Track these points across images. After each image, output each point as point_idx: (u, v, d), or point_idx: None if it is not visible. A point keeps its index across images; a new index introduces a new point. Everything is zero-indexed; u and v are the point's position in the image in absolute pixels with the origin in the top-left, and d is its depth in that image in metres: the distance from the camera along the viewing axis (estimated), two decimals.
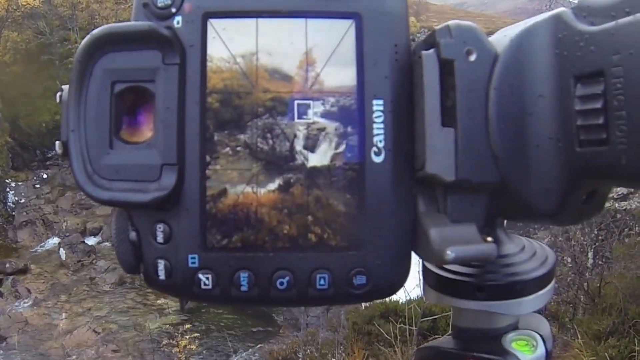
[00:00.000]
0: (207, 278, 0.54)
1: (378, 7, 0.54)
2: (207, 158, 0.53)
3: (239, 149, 0.53)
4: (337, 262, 0.54)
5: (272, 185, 0.53)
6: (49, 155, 25.42)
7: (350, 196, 0.53)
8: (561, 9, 0.51)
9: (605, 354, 8.26)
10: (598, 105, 0.46)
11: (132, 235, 0.55)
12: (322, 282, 0.54)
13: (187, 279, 0.54)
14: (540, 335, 0.62)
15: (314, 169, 0.53)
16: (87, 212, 22.60)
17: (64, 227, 22.16)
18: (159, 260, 0.54)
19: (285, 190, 0.53)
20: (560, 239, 10.12)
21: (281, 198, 0.53)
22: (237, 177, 0.53)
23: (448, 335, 0.69)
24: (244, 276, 0.54)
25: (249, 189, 0.53)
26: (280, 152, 0.53)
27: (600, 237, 10.38)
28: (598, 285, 10.19)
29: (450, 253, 0.49)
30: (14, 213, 23.00)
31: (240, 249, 0.54)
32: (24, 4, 25.92)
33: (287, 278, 0.54)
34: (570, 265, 10.26)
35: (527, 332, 0.62)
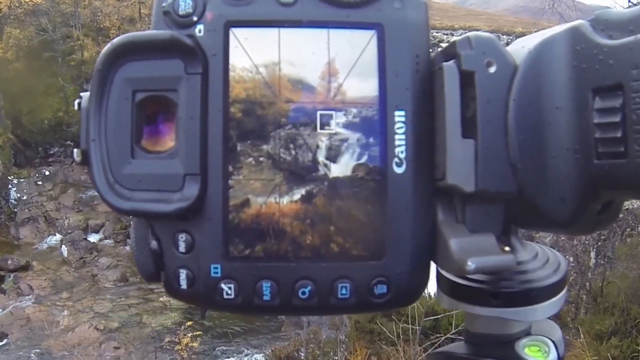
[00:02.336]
0: (230, 288, 0.54)
1: (400, 18, 0.54)
2: (230, 168, 0.53)
3: (261, 159, 0.53)
4: (358, 272, 0.54)
5: (295, 196, 0.53)
6: (51, 152, 25.40)
7: (372, 206, 0.54)
8: (579, 21, 0.51)
9: (608, 353, 8.25)
10: (616, 119, 0.46)
11: (153, 244, 0.55)
12: (343, 291, 0.54)
13: (209, 288, 0.54)
14: (553, 341, 0.62)
15: (336, 179, 0.53)
16: (89, 209, 22.56)
17: (66, 224, 22.13)
18: (181, 270, 0.55)
19: (307, 200, 0.53)
20: (562, 238, 10.11)
21: (304, 208, 0.53)
22: (260, 187, 0.53)
23: (460, 340, 0.70)
24: (266, 286, 0.54)
25: (271, 199, 0.53)
26: (303, 162, 0.53)
27: (602, 237, 10.37)
28: (600, 285, 10.18)
29: (471, 264, 0.49)
30: (16, 210, 22.96)
31: (263, 258, 0.54)
32: (27, 0, 25.87)
33: (309, 287, 0.54)
34: (573, 265, 10.24)
35: (539, 338, 0.62)
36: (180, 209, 0.53)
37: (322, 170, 0.53)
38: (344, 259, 0.54)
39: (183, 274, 0.54)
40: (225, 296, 0.54)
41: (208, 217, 0.53)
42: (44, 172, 24.96)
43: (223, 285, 0.54)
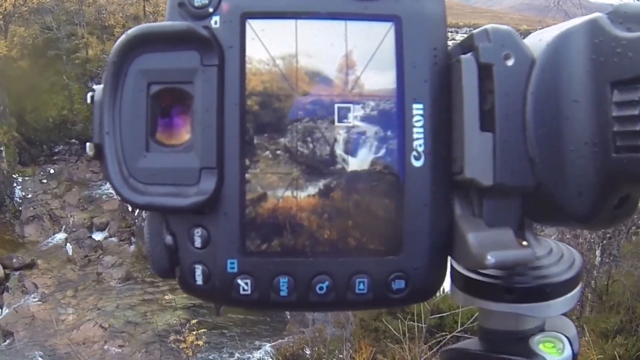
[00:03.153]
0: (247, 283, 0.54)
1: (418, 10, 0.54)
2: (247, 162, 0.52)
3: (279, 152, 0.53)
4: (376, 267, 0.54)
5: (312, 190, 0.53)
6: (56, 150, 25.52)
7: (390, 201, 0.53)
8: (597, 14, 0.51)
9: (613, 352, 8.25)
10: (635, 112, 0.46)
11: (168, 239, 0.54)
12: (361, 286, 0.54)
13: (225, 284, 0.54)
14: (567, 337, 0.62)
15: (354, 173, 0.53)
16: (94, 207, 22.64)
17: (71, 222, 22.21)
18: (197, 265, 0.54)
19: (325, 194, 0.53)
20: (567, 236, 10.09)
21: (321, 202, 0.53)
22: (277, 181, 0.52)
23: (466, 338, 0.69)
24: (283, 281, 0.54)
25: (288, 193, 0.53)
26: (321, 156, 0.53)
27: (607, 235, 10.36)
28: (606, 283, 10.19)
29: (490, 258, 0.49)
30: (21, 208, 23.06)
31: (280, 253, 0.53)
32: None
33: (326, 283, 0.54)
34: None
35: (553, 334, 0.62)
36: (197, 203, 0.52)
37: (340, 164, 0.53)
38: (361, 254, 0.53)
39: (199, 269, 0.54)
40: (241, 292, 0.54)
41: (224, 212, 0.53)
42: (49, 170, 25.07)
43: (239, 281, 0.54)
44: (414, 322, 8.50)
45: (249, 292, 0.54)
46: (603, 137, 0.48)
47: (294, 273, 0.54)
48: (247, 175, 0.53)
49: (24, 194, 23.65)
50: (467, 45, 0.53)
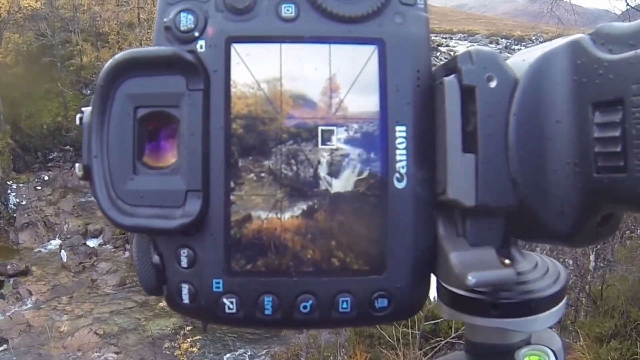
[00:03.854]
0: (232, 302, 0.54)
1: (401, 33, 0.54)
2: (232, 184, 0.53)
3: (263, 175, 0.53)
4: (359, 286, 0.54)
5: (296, 211, 0.53)
6: (50, 157, 25.42)
7: (373, 221, 0.54)
8: (579, 35, 0.51)
9: (608, 356, 8.25)
10: (616, 133, 0.46)
11: (155, 259, 0.55)
12: (344, 305, 0.54)
13: (211, 303, 0.55)
14: (552, 351, 0.62)
15: (338, 194, 0.54)
16: (89, 214, 22.54)
17: (65, 229, 22.11)
18: (183, 285, 0.55)
19: (309, 215, 0.53)
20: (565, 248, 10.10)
21: (305, 223, 0.53)
22: (262, 203, 0.53)
23: (459, 348, 0.70)
24: (268, 300, 0.54)
25: (273, 215, 0.53)
26: (304, 178, 0.53)
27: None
28: (600, 287, 10.19)
29: (471, 279, 0.49)
30: (15, 215, 22.94)
31: (264, 273, 0.54)
32: (26, 5, 25.86)
33: (310, 302, 0.54)
34: (572, 267, 10.25)
35: (539, 347, 0.62)
36: (183, 225, 0.53)
37: (323, 186, 0.54)
38: (345, 274, 0.54)
39: (185, 288, 0.55)
40: (227, 310, 0.55)
41: (210, 233, 0.54)
42: (43, 177, 24.97)
43: (225, 300, 0.54)
44: (408, 328, 8.50)
45: (234, 310, 0.55)
46: (584, 158, 0.49)
47: (278, 292, 0.54)
48: (232, 197, 0.53)
49: (18, 200, 23.54)
50: (451, 67, 0.53)
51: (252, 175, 0.53)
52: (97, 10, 27.42)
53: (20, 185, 24.05)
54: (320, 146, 0.54)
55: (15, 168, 24.69)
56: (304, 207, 0.53)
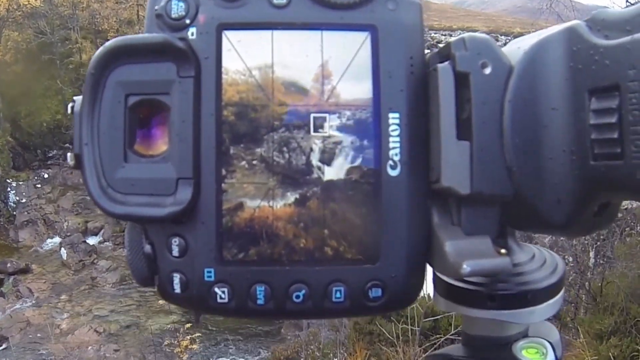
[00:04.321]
0: (224, 292, 0.54)
1: (394, 19, 0.54)
2: (223, 172, 0.53)
3: (255, 162, 0.53)
4: (352, 275, 0.54)
5: (288, 199, 0.53)
6: (50, 154, 25.42)
7: (366, 209, 0.53)
8: (575, 21, 0.50)
9: (608, 353, 8.26)
10: (613, 119, 0.46)
11: (147, 248, 0.54)
12: (337, 294, 0.54)
13: (203, 292, 0.54)
14: (550, 343, 0.62)
15: (330, 182, 0.53)
16: (88, 212, 22.54)
17: (65, 227, 22.14)
18: (175, 274, 0.54)
19: (301, 204, 0.53)
20: (562, 238, 10.12)
21: (297, 212, 0.53)
22: (253, 191, 0.53)
23: (458, 343, 0.69)
24: (260, 289, 0.54)
25: (265, 203, 0.53)
26: (297, 165, 0.53)
27: (601, 237, 10.37)
28: (600, 284, 10.20)
29: (466, 267, 0.49)
30: (15, 213, 22.95)
31: (257, 262, 0.53)
32: (25, 3, 25.86)
33: (303, 291, 0.54)
34: (572, 264, 10.26)
35: (537, 340, 0.62)
36: (174, 213, 0.52)
37: (315, 174, 0.53)
38: (338, 263, 0.54)
39: (177, 278, 0.54)
40: (219, 300, 0.54)
41: (201, 221, 0.53)
42: (43, 175, 24.99)
43: (217, 289, 0.54)
44: (407, 325, 8.51)
45: (226, 300, 0.54)
46: (581, 145, 0.48)
47: (270, 281, 0.54)
48: (223, 185, 0.53)
49: (18, 198, 23.55)
50: (445, 54, 0.53)
51: (243, 162, 0.53)
52: (96, 7, 27.44)
53: (20, 183, 24.06)
54: (312, 133, 0.53)
55: (15, 166, 24.71)
56: (297, 195, 0.53)
